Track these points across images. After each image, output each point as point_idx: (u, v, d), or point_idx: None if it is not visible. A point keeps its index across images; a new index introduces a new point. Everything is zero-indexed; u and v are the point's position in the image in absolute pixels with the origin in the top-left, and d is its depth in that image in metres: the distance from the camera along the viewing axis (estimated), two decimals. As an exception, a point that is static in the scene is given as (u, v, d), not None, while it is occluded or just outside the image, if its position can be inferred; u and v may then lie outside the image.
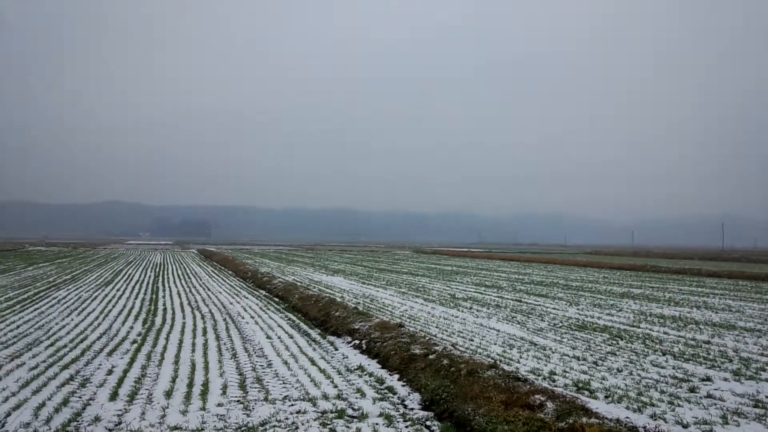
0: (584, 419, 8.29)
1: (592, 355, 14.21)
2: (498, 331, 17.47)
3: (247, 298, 26.58)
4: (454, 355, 12.01)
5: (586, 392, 10.61)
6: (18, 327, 16.92)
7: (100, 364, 12.51)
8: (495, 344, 15.25)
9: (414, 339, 13.92)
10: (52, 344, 14.56)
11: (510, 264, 66.01)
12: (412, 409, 9.94)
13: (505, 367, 11.11)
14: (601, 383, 11.39)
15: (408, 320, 18.94)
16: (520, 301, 25.63)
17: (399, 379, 11.83)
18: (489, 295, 28.49)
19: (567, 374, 12.09)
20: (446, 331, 17.20)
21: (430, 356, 12.16)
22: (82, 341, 15.08)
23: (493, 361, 12.08)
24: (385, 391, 10.98)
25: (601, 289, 33.19)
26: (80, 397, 9.99)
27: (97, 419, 8.80)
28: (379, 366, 13.09)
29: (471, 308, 22.89)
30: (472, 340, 15.67)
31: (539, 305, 24.32)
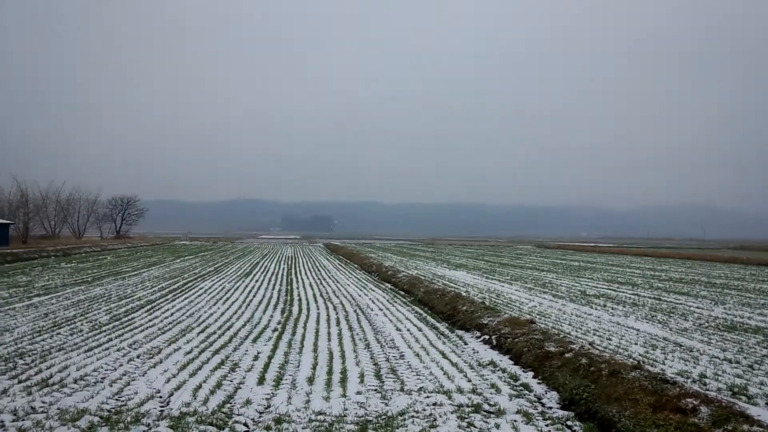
0: (745, 426, 7.68)
1: (746, 358, 13.08)
2: (637, 330, 16.57)
3: (373, 290, 27.23)
4: (592, 354, 11.55)
5: (744, 398, 9.80)
6: (172, 314, 18.53)
7: (247, 351, 13.40)
8: (635, 344, 14.48)
9: (547, 336, 13.57)
10: (202, 330, 15.81)
11: (643, 260, 62.27)
12: (550, 407, 9.71)
13: (650, 369, 10.52)
14: (761, 389, 10.46)
15: (538, 317, 18.48)
16: (659, 299, 24.12)
17: (534, 377, 11.59)
18: (623, 292, 27.07)
19: (719, 378, 11.23)
20: (580, 329, 16.59)
21: (567, 354, 11.80)
22: (228, 328, 16.24)
23: (636, 361, 11.49)
24: (521, 388, 10.80)
25: (750, 287, 30.40)
26: (231, 381, 10.76)
27: (248, 402, 9.44)
28: (512, 362, 12.90)
29: (605, 306, 21.89)
30: (610, 339, 14.99)
31: (680, 304, 22.75)
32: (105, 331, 15.29)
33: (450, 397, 9.91)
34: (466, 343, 14.96)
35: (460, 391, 10.34)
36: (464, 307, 19.06)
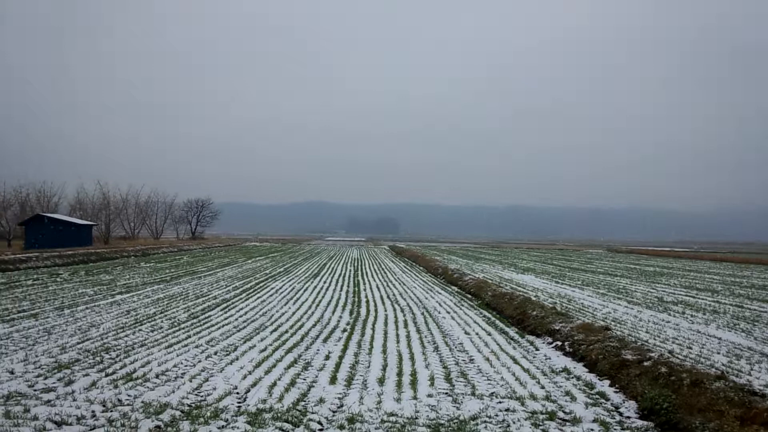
0: None
1: (844, 372, 12.22)
2: (719, 339, 15.78)
3: (440, 293, 27.14)
4: (672, 362, 11.09)
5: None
6: (246, 313, 19.09)
7: (318, 350, 13.65)
8: (718, 353, 13.80)
9: (623, 343, 13.13)
10: (275, 329, 16.21)
11: (722, 265, 59.28)
12: (628, 417, 9.39)
13: (735, 379, 9.99)
14: None
15: (612, 323, 17.91)
16: (742, 307, 22.89)
17: (610, 385, 11.24)
18: (703, 299, 25.85)
19: (814, 393, 10.53)
20: (658, 337, 15.95)
21: (645, 363, 11.37)
22: (299, 328, 16.59)
23: (719, 371, 10.95)
24: (597, 396, 10.50)
25: None
26: (304, 379, 10.98)
27: (321, 401, 9.60)
28: (586, 370, 12.55)
29: (684, 313, 20.96)
30: (690, 348, 14.34)
31: (765, 312, 21.52)
32: (183, 328, 15.93)
33: (523, 404, 9.74)
34: (537, 349, 14.67)
35: (533, 397, 10.16)
36: (534, 312, 18.71)
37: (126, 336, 14.55)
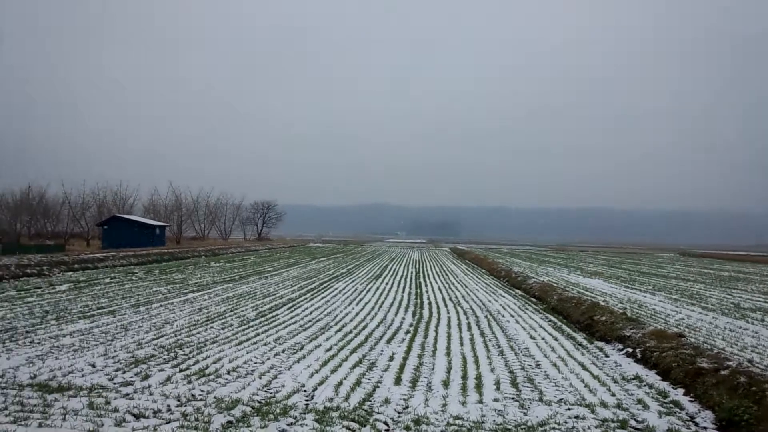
0: None
1: None
2: (805, 349, 14.89)
3: (503, 296, 26.79)
4: (752, 372, 10.56)
5: None
6: (311, 313, 19.44)
7: (382, 351, 13.74)
8: (804, 365, 13.02)
9: (699, 351, 12.59)
10: (339, 329, 16.43)
11: (808, 271, 55.80)
12: (705, 428, 9.00)
13: (825, 393, 9.41)
14: None
15: (686, 330, 17.20)
16: (830, 316, 21.49)
17: (685, 394, 10.80)
18: (785, 306, 24.44)
19: None
20: (736, 345, 15.21)
21: (722, 372, 10.87)
22: (363, 328, 16.75)
23: (806, 384, 10.33)
24: (671, 405, 10.11)
25: None
26: (369, 380, 11.08)
27: (386, 401, 9.66)
28: (659, 378, 12.11)
29: (763, 320, 19.90)
30: (772, 358, 13.61)
31: None
32: (252, 326, 16.38)
33: (593, 411, 9.50)
34: (607, 356, 14.27)
35: (603, 405, 9.89)
36: (603, 318, 18.18)
37: (198, 333, 15.10)
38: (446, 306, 22.58)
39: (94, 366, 11.36)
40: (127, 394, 9.55)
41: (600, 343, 15.80)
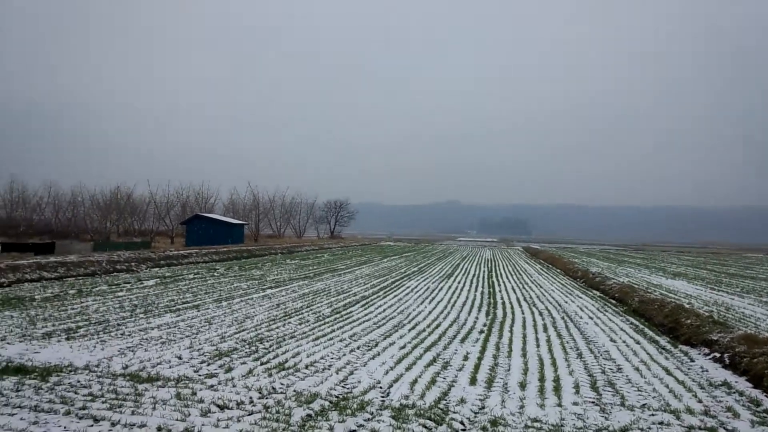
0: None
1: None
2: None
3: (580, 297, 26.07)
4: None
5: None
6: (384, 310, 19.61)
7: (456, 350, 13.69)
8: None
9: (796, 358, 11.82)
10: (413, 328, 16.49)
11: None
12: (804, 441, 8.45)
13: None
14: None
15: (781, 336, 16.15)
16: None
17: (781, 404, 10.18)
18: None
19: None
20: (838, 353, 14.15)
21: (824, 382, 10.18)
22: (436, 327, 16.74)
23: None
24: (764, 414, 9.56)
25: None
26: (444, 379, 11.07)
27: (462, 401, 9.63)
28: (750, 384, 11.47)
29: None
30: None
31: None
32: (328, 322, 16.71)
33: (678, 417, 9.11)
34: (692, 360, 13.63)
35: (689, 411, 9.46)
36: (688, 321, 17.37)
37: (277, 328, 15.55)
38: (521, 306, 22.21)
39: (180, 358, 11.92)
40: (212, 386, 9.96)
41: (685, 347, 15.12)
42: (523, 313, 20.28)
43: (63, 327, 14.80)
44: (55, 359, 11.46)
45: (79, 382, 9.89)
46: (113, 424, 7.88)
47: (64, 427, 7.70)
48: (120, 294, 21.68)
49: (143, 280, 26.71)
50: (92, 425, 7.82)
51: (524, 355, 13.39)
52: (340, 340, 14.14)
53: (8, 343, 12.78)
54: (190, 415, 8.36)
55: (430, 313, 19.54)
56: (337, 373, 11.05)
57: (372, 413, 8.72)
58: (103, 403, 8.77)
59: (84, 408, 8.46)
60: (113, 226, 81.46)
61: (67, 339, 13.41)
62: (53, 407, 8.46)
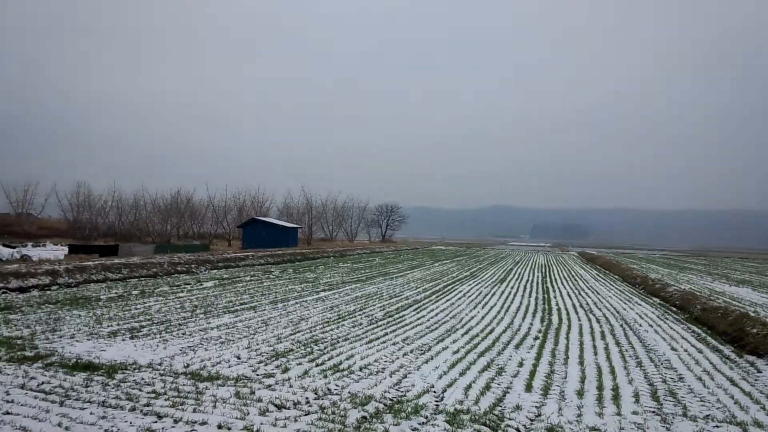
0: None
1: None
2: None
3: (639, 304, 25.32)
4: None
5: None
6: (436, 315, 19.57)
7: (510, 356, 13.54)
8: None
9: None
10: (466, 332, 16.40)
11: None
12: None
13: None
14: None
15: None
16: None
17: None
18: None
19: None
20: None
21: None
22: (490, 332, 16.60)
23: None
24: (841, 431, 9.07)
25: None
26: (499, 384, 10.98)
27: (518, 408, 9.53)
28: (825, 399, 10.89)
29: None
30: None
31: None
32: (380, 325, 16.82)
33: (745, 430, 8.76)
34: (759, 371, 13.05)
35: (757, 424, 9.08)
36: (754, 330, 16.64)
37: (331, 330, 15.76)
38: (577, 313, 21.76)
39: (239, 358, 12.24)
40: (269, 386, 10.19)
41: (751, 357, 14.49)
42: (579, 320, 19.87)
43: (127, 326, 15.42)
44: (121, 357, 11.96)
45: (143, 379, 10.30)
46: (176, 421, 8.17)
47: (130, 423, 8.04)
48: (181, 295, 22.41)
49: (202, 282, 27.52)
50: (156, 421, 8.14)
51: (581, 363, 13.13)
52: (393, 344, 14.21)
53: (77, 341, 13.41)
54: (249, 413, 8.59)
55: (483, 318, 19.39)
56: (391, 376, 11.11)
57: (426, 417, 8.74)
58: (165, 400, 9.10)
59: (148, 405, 8.81)
60: (173, 229, 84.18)
61: (132, 338, 13.97)
62: (119, 403, 8.84)
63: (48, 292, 22.67)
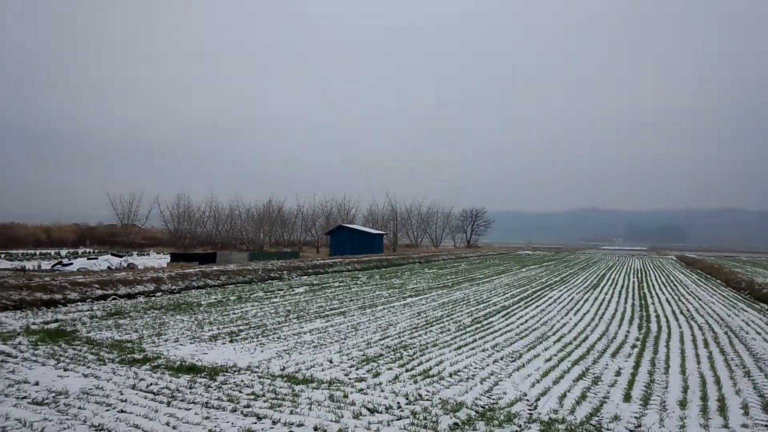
0: None
1: None
2: None
3: (746, 311, 23.73)
4: None
5: None
6: (526, 321, 19.20)
7: (607, 365, 13.08)
8: None
9: None
10: (558, 340, 15.99)
11: None
12: None
13: None
14: None
15: None
16: None
17: None
18: None
19: None
20: None
21: None
22: (584, 340, 16.09)
23: None
24: None
25: None
26: (595, 394, 10.64)
27: (616, 418, 9.20)
28: None
29: None
30: None
31: None
32: (468, 332, 16.72)
33: None
34: None
35: None
36: None
37: (419, 336, 15.85)
38: (677, 319, 20.69)
39: (331, 362, 12.56)
40: (361, 390, 10.40)
41: None
42: (680, 327, 18.89)
43: (226, 330, 16.19)
44: (221, 360, 12.58)
45: (242, 381, 10.79)
46: (274, 423, 8.51)
47: (231, 423, 8.45)
48: (274, 300, 23.26)
49: (294, 288, 28.41)
50: (256, 422, 8.51)
51: (683, 372, 12.49)
52: (482, 350, 14.08)
53: (181, 344, 14.23)
54: (343, 416, 8.81)
55: (575, 325, 18.83)
56: (482, 383, 11.03)
57: (520, 426, 8.63)
58: (264, 402, 9.49)
59: (248, 406, 9.22)
60: (266, 237, 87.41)
61: (231, 341, 14.65)
62: (221, 404, 9.32)
63: (153, 298, 24.18)
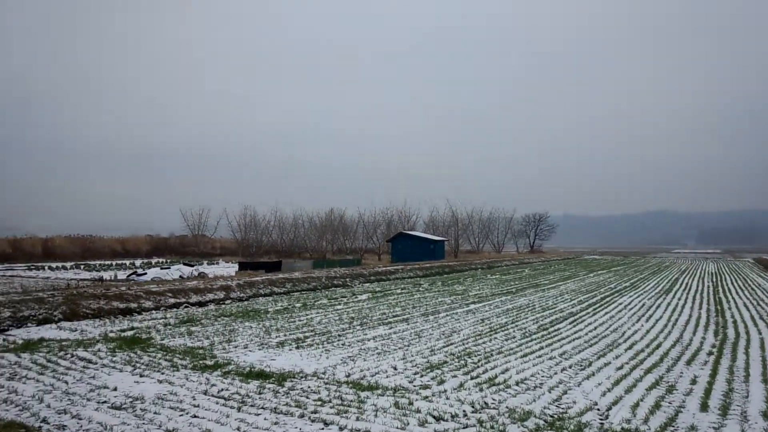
0: None
1: None
2: None
3: (836, 317, 22.25)
4: None
5: None
6: (595, 328, 18.67)
7: (681, 373, 12.56)
8: None
9: None
10: (629, 347, 15.47)
11: None
12: None
13: None
14: None
15: None
16: None
17: None
18: None
19: None
20: None
21: None
22: (657, 347, 15.51)
23: None
24: None
25: None
26: (670, 403, 10.24)
27: (692, 428, 8.83)
28: None
29: None
30: None
31: None
32: (535, 339, 16.41)
33: None
34: None
35: None
36: None
37: (483, 343, 15.68)
38: (756, 325, 19.64)
39: (395, 368, 12.61)
40: (426, 397, 10.39)
41: None
42: (760, 333, 17.92)
43: (293, 337, 16.52)
44: (288, 366, 12.85)
45: (309, 387, 10.99)
46: (341, 429, 8.62)
47: (300, 429, 8.62)
48: (338, 307, 23.55)
49: (357, 295, 28.68)
50: (323, 428, 8.65)
51: (765, 381, 11.84)
52: (550, 358, 13.79)
53: (250, 351, 14.62)
54: (408, 424, 8.82)
55: (648, 332, 18.15)
56: (550, 392, 10.81)
57: (590, 435, 8.40)
58: (331, 408, 9.63)
59: (315, 412, 9.38)
60: (328, 245, 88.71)
61: (297, 348, 14.94)
62: (289, 410, 9.51)
63: (223, 305, 24.95)
